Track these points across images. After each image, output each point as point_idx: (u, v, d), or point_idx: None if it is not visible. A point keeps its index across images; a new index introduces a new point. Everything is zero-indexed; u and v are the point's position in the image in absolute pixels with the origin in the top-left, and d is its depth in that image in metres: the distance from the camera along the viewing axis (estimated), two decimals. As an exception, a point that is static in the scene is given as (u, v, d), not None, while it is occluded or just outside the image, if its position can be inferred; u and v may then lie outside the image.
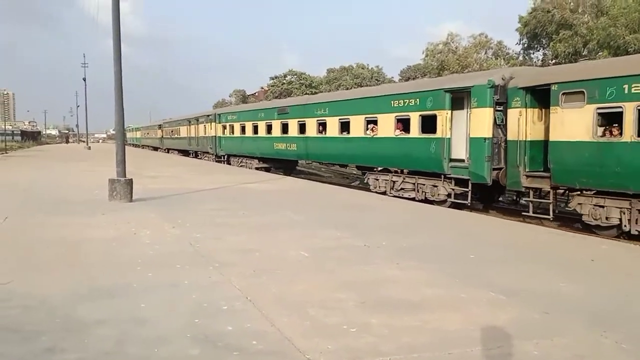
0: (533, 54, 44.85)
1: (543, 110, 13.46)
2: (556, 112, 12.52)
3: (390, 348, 4.29)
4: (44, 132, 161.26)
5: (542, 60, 41.35)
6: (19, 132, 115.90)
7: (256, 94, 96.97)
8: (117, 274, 6.33)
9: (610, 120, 11.65)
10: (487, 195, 15.81)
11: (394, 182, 17.98)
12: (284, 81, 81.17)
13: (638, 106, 10.80)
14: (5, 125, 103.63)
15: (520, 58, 45.90)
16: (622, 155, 11.15)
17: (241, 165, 32.00)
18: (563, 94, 12.37)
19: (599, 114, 11.64)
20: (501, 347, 4.36)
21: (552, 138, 12.64)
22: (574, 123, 12.09)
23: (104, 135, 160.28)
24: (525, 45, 43.89)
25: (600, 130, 11.72)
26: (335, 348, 4.25)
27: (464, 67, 49.42)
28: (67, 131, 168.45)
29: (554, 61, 37.63)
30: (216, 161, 36.37)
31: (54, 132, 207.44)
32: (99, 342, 4.29)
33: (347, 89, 60.56)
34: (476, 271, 6.86)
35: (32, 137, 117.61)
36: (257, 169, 29.29)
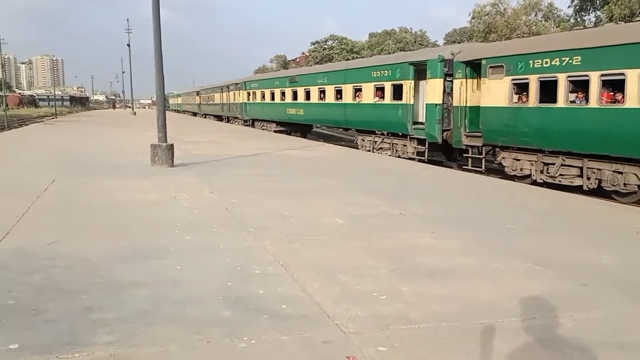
0: (586, 16, 42.79)
1: (478, 80, 15.84)
2: (485, 82, 15.14)
3: (419, 316, 4.28)
4: (91, 98, 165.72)
5: (594, 23, 39.35)
6: (68, 97, 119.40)
7: (297, 60, 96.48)
8: (156, 237, 6.50)
9: (521, 89, 14.07)
10: (450, 153, 18.23)
11: (375, 142, 21.15)
12: (325, 46, 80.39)
13: (539, 78, 13.35)
14: (54, 91, 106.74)
15: (572, 21, 43.82)
16: (528, 117, 13.76)
17: (262, 129, 34.90)
18: (489, 67, 14.93)
19: (514, 84, 14.19)
20: (534, 319, 4.28)
21: (482, 104, 15.27)
22: (496, 91, 14.65)
23: (149, 101, 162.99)
24: (577, 7, 41.85)
25: (516, 97, 14.19)
26: (363, 314, 4.27)
27: (512, 29, 47.60)
28: (113, 97, 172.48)
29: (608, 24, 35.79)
30: (244, 125, 39.21)
31: (102, 97, 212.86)
32: (135, 301, 4.43)
33: (389, 53, 59.55)
34: (513, 241, 6.73)
35: (80, 102, 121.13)
36: (275, 131, 32.08)
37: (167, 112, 14.98)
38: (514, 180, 13.95)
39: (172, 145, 13.38)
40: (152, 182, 10.72)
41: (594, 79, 12.06)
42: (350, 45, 78.81)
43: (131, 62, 69.21)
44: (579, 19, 42.70)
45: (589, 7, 41.86)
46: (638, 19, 15.71)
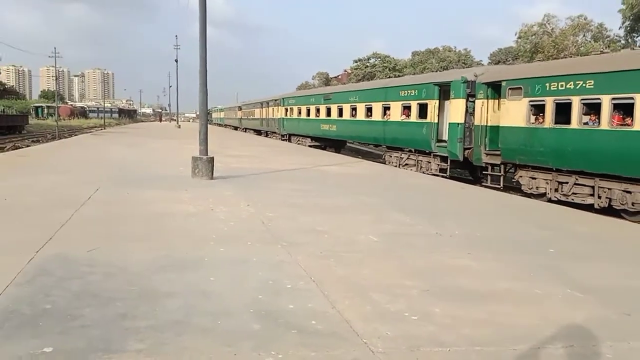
0: (637, 37, 41.59)
1: (499, 101, 16.42)
2: (504, 103, 15.84)
3: (451, 339, 4.18)
4: (139, 110, 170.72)
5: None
6: (117, 109, 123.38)
7: (339, 77, 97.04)
8: (192, 248, 6.60)
9: (538, 110, 14.64)
10: (474, 171, 18.96)
11: (401, 158, 22.04)
12: (367, 64, 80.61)
13: (555, 100, 13.92)
14: (104, 103, 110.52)
15: (622, 42, 42.68)
16: (544, 138, 14.35)
17: (298, 143, 36.19)
18: (509, 88, 15.62)
19: (531, 105, 14.79)
20: (572, 347, 4.13)
21: (501, 124, 15.99)
22: (515, 112, 15.31)
23: (194, 115, 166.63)
24: (629, 28, 40.75)
25: (533, 118, 14.80)
26: (394, 335, 4.21)
27: (560, 50, 46.70)
28: (160, 110, 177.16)
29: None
30: (281, 139, 40.67)
31: (149, 110, 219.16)
32: (168, 311, 4.50)
33: (433, 72, 59.28)
34: (553, 265, 6.52)
35: (128, 114, 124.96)
36: (310, 146, 33.23)
37: (209, 125, 15.28)
38: (530, 198, 14.40)
39: (212, 158, 13.62)
40: (192, 194, 10.92)
41: (606, 102, 12.58)
42: (393, 64, 78.80)
43: (178, 77, 71.26)
44: (629, 40, 41.53)
45: (640, 28, 40.73)
46: None
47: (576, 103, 13.35)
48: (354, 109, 26.82)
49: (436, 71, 55.91)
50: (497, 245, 7.51)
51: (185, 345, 3.85)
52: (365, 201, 11.05)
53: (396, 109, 22.26)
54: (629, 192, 12.31)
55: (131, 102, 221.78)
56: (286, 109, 39.55)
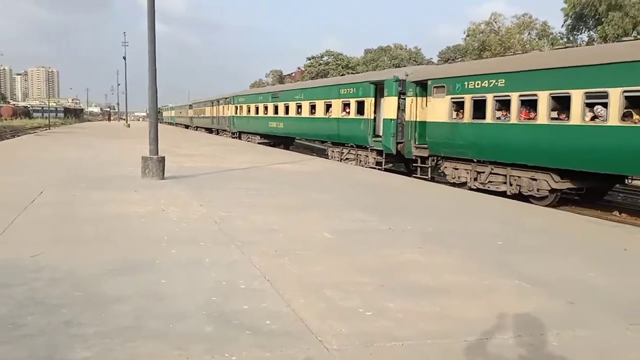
0: (579, 35, 43.23)
1: (426, 98, 17.63)
2: (430, 100, 17.16)
3: (405, 333, 4.22)
4: (86, 110, 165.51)
5: (586, 42, 39.79)
6: (62, 109, 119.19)
7: (293, 74, 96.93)
8: (142, 250, 6.43)
9: (459, 107, 16.05)
10: (407, 164, 20.32)
11: (342, 153, 23.38)
12: (321, 62, 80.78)
13: (472, 97, 15.35)
14: (49, 103, 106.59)
15: (564, 40, 44.30)
16: (464, 132, 15.78)
17: (248, 140, 37.01)
18: (434, 87, 16.97)
19: (453, 102, 16.18)
20: (520, 337, 4.24)
21: (428, 119, 17.32)
22: (439, 108, 16.66)
23: (144, 114, 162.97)
24: (570, 26, 42.31)
25: (454, 114, 16.15)
26: (348, 331, 4.22)
27: (506, 48, 48.02)
28: (108, 109, 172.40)
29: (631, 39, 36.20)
30: (232, 137, 41.51)
31: (96, 109, 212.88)
32: (117, 316, 4.36)
33: (384, 69, 59.93)
34: (502, 258, 6.70)
35: (74, 114, 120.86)
36: (259, 143, 34.16)
37: (160, 124, 14.95)
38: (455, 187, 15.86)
39: (163, 158, 13.33)
40: (142, 194, 10.65)
41: (514, 99, 14.08)
42: (346, 61, 79.28)
43: (126, 75, 69.32)
44: (571, 38, 43.12)
45: (581, 27, 42.31)
46: (625, 39, 16.10)
47: (490, 100, 14.77)
48: (299, 107, 27.84)
49: (388, 68, 56.58)
50: (448, 240, 7.66)
51: (135, 350, 3.74)
52: (318, 199, 11.06)
53: (337, 106, 23.51)
54: (535, 180, 13.80)
55: (78, 101, 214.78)
56: (236, 107, 40.29)
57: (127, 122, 71.41)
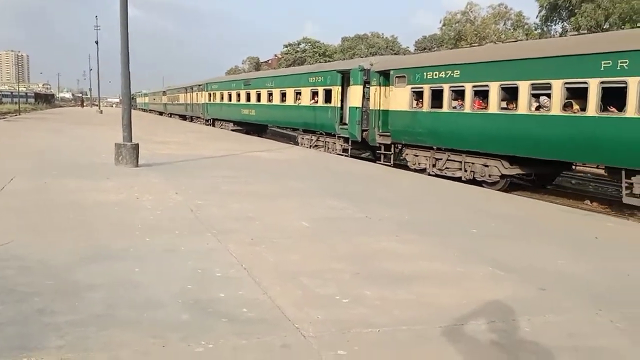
0: (553, 26, 43.78)
1: (388, 88, 18.23)
2: (392, 90, 17.75)
3: (380, 320, 4.26)
4: (57, 95, 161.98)
5: (560, 33, 40.36)
6: (33, 94, 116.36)
7: (269, 62, 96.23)
8: (115, 238, 6.34)
9: (419, 96, 16.69)
10: (374, 151, 20.49)
11: (311, 140, 24.03)
12: (298, 49, 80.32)
13: (431, 87, 15.97)
14: (18, 87, 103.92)
15: (538, 31, 44.83)
16: (423, 120, 16.47)
17: (221, 127, 37.40)
18: (396, 77, 17.58)
19: (413, 92, 16.81)
20: (493, 323, 4.32)
21: (390, 108, 17.88)
22: (400, 98, 17.26)
23: (117, 100, 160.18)
24: (545, 17, 42.82)
25: (415, 103, 16.81)
26: (324, 318, 4.24)
27: (482, 38, 48.42)
28: (80, 94, 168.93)
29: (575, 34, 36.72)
30: (205, 124, 41.63)
31: (68, 95, 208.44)
32: (90, 304, 4.30)
33: (361, 57, 60.02)
34: (476, 246, 6.80)
35: (45, 99, 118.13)
36: (232, 130, 34.56)
37: (134, 111, 14.72)
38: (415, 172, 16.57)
39: (137, 145, 13.12)
40: (115, 182, 10.49)
41: (468, 89, 14.76)
42: (323, 49, 78.97)
43: (99, 60, 67.91)
44: (545, 29, 43.66)
45: (555, 18, 42.84)
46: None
47: (447, 90, 15.51)
48: (270, 94, 28.37)
49: (365, 56, 56.68)
50: (423, 228, 7.74)
51: (109, 339, 3.70)
52: (295, 187, 11.05)
53: (306, 94, 24.14)
54: (487, 166, 14.64)
55: (48, 87, 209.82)
56: (209, 94, 40.47)
57: (99, 109, 70.06)
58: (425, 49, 57.79)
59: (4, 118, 46.75)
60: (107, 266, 5.30)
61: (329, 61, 59.51)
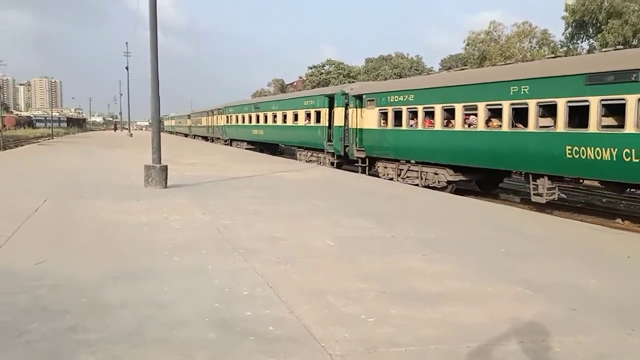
0: (580, 43, 43.34)
1: (362, 109, 21.28)
2: (365, 111, 21.04)
3: (406, 339, 4.24)
4: (88, 119, 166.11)
5: (587, 50, 39.92)
6: (65, 119, 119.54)
7: (294, 84, 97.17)
8: (145, 258, 6.45)
9: (384, 116, 19.77)
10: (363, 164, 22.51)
11: (307, 155, 27.32)
12: (322, 71, 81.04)
13: (393, 109, 19.09)
14: (52, 112, 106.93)
15: (564, 48, 44.38)
16: (388, 137, 19.55)
17: (237, 147, 41.25)
18: (367, 100, 20.88)
19: (380, 112, 19.96)
20: (522, 343, 4.25)
21: (364, 127, 21.04)
22: (371, 118, 20.47)
23: (146, 123, 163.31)
24: (571, 34, 42.46)
25: (382, 122, 19.89)
26: (351, 337, 4.23)
27: (507, 57, 48.17)
28: (111, 118, 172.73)
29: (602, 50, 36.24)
30: (224, 144, 45.69)
31: (99, 119, 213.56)
32: (120, 323, 4.38)
33: (386, 78, 60.43)
34: (504, 265, 6.71)
35: (77, 123, 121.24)
36: (246, 149, 38.34)
37: (161, 133, 15.02)
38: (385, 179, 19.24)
39: (165, 167, 13.38)
40: (145, 203, 10.69)
41: (420, 110, 17.76)
42: (347, 70, 79.54)
43: (129, 85, 69.66)
44: (571, 46, 43.25)
45: (582, 35, 42.44)
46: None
47: (405, 111, 18.49)
48: (275, 116, 32.04)
49: (390, 78, 57.01)
50: (450, 247, 7.67)
51: (139, 357, 3.76)
52: (319, 206, 11.09)
53: (302, 116, 27.66)
54: (437, 174, 17.24)
55: (80, 111, 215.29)
56: (227, 117, 44.74)
57: (129, 132, 71.56)
58: (449, 68, 57.71)
59: (38, 142, 48.13)
60: (137, 285, 5.39)
61: (353, 82, 59.92)
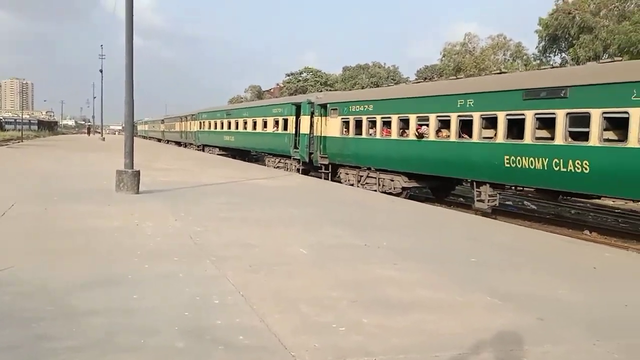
0: (553, 56, 44.26)
1: (326, 118, 21.98)
2: (328, 119, 21.77)
3: (378, 348, 4.25)
4: (60, 123, 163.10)
5: (560, 64, 40.83)
6: (36, 121, 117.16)
7: (271, 90, 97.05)
8: (114, 265, 6.35)
9: (346, 125, 20.64)
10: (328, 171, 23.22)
11: (274, 161, 28.21)
12: (300, 78, 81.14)
13: (354, 118, 20.01)
14: (22, 115, 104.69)
15: (537, 61, 45.32)
16: (349, 145, 20.49)
17: (210, 152, 41.66)
18: (331, 109, 21.65)
19: (343, 121, 20.81)
20: (490, 352, 4.31)
21: (328, 134, 21.70)
22: (334, 126, 21.26)
23: (119, 127, 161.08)
24: (544, 48, 43.39)
25: (344, 130, 20.77)
26: (322, 346, 4.23)
27: (481, 69, 48.98)
28: (83, 122, 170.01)
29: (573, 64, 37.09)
30: (197, 150, 46.18)
31: (71, 122, 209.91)
32: (89, 330, 4.30)
33: (363, 87, 60.89)
34: (475, 275, 6.79)
35: (48, 126, 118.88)
36: (218, 154, 38.88)
37: (135, 138, 14.84)
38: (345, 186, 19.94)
39: (138, 172, 13.20)
40: (116, 208, 10.54)
41: (379, 120, 18.69)
42: (324, 78, 79.81)
43: (102, 88, 68.55)
44: (544, 60, 44.15)
45: (554, 49, 43.38)
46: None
47: (365, 120, 19.43)
48: (245, 123, 32.88)
49: (367, 86, 57.46)
50: (422, 256, 7.73)
51: (106, 365, 3.70)
52: (293, 213, 11.08)
53: (270, 123, 28.49)
54: (393, 180, 18.18)
55: (52, 114, 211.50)
56: (200, 123, 45.41)
57: (102, 136, 70.51)
58: (426, 78, 58.43)
59: (7, 145, 47.03)
60: (106, 292, 5.31)
61: (330, 89, 60.19)
